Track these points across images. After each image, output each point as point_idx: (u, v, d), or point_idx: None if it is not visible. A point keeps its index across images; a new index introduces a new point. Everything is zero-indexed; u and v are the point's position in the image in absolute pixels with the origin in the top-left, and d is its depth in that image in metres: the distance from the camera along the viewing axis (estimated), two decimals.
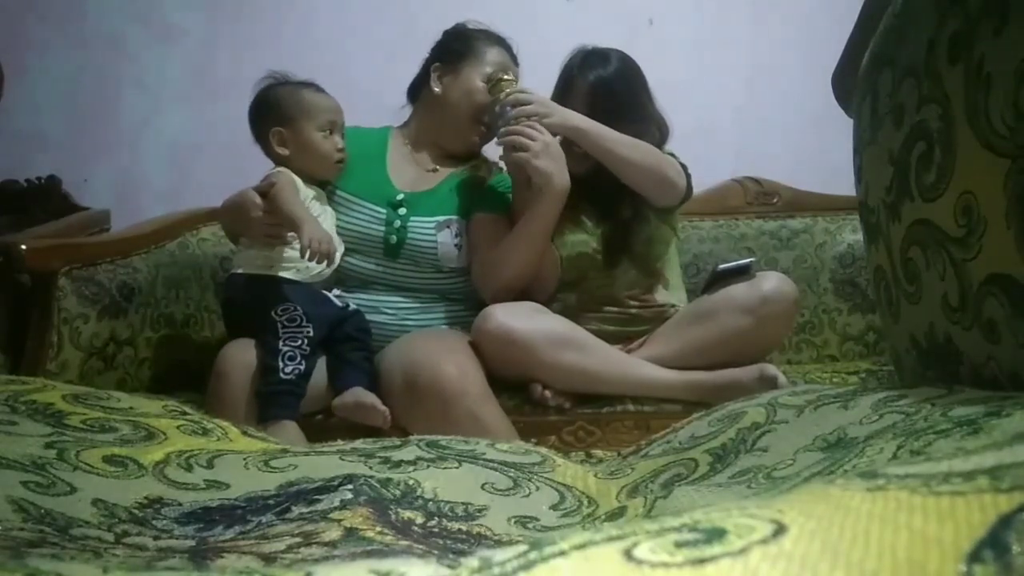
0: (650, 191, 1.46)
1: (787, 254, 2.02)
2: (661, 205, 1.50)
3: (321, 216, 1.40)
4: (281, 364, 1.24)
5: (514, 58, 1.57)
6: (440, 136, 1.57)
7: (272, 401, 1.23)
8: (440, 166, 1.57)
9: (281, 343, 1.26)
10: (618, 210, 1.50)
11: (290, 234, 1.33)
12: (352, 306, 1.41)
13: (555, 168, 1.36)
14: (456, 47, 1.55)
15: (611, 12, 2.24)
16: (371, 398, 1.26)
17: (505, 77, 1.46)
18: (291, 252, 1.34)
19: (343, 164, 1.45)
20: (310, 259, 1.27)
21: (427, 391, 1.24)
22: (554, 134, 1.39)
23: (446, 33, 1.59)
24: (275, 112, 1.41)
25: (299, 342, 1.26)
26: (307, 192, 1.40)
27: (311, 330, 1.28)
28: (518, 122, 1.38)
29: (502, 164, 1.53)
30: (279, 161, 1.42)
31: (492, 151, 1.57)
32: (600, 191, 1.49)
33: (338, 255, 1.42)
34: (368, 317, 1.42)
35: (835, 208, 2.04)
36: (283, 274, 1.34)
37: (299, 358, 1.25)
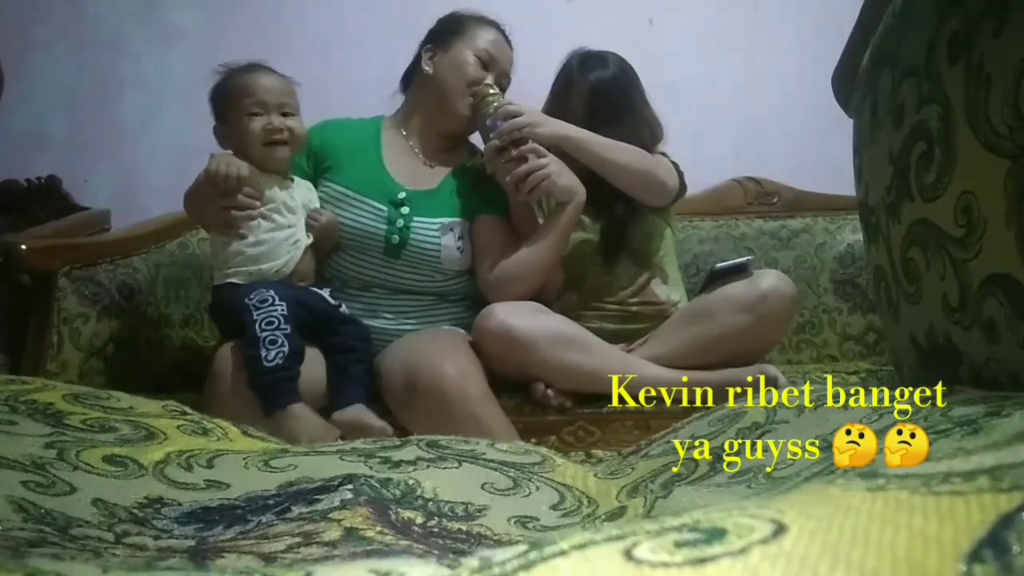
0: (641, 193, 1.49)
1: (787, 254, 2.02)
2: (652, 206, 1.52)
3: (283, 198, 1.36)
4: (264, 352, 1.20)
5: (508, 41, 1.55)
6: (433, 118, 1.53)
7: (268, 392, 1.20)
8: (437, 159, 1.54)
9: (258, 328, 1.21)
10: (614, 208, 1.52)
11: (242, 231, 1.31)
12: (344, 308, 1.40)
13: (575, 182, 1.41)
14: (448, 28, 1.54)
15: (611, 12, 2.23)
16: (371, 418, 1.25)
17: (492, 91, 1.46)
18: (240, 260, 1.32)
19: (279, 143, 1.34)
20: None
21: (427, 391, 1.24)
22: (545, 145, 1.41)
23: (439, 19, 1.58)
24: (215, 110, 1.37)
25: (275, 323, 1.22)
26: (265, 180, 1.34)
27: (284, 308, 1.23)
28: (511, 135, 1.39)
29: None
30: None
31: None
32: (596, 190, 1.50)
33: (324, 214, 1.42)
34: (367, 321, 1.41)
35: (835, 208, 2.05)
36: (237, 280, 1.31)
37: (280, 340, 1.21)
